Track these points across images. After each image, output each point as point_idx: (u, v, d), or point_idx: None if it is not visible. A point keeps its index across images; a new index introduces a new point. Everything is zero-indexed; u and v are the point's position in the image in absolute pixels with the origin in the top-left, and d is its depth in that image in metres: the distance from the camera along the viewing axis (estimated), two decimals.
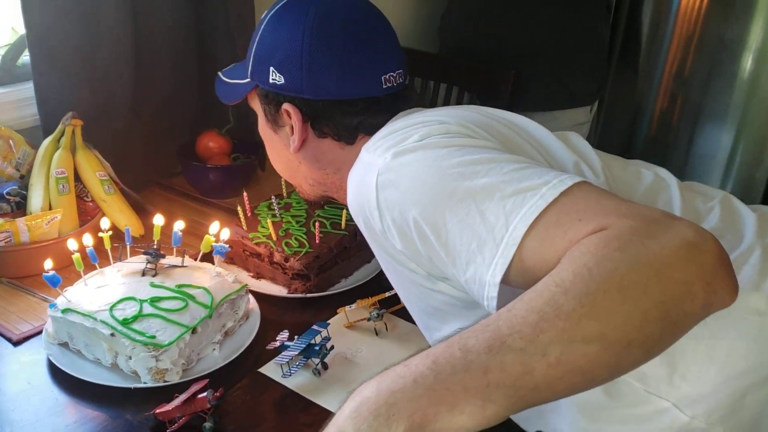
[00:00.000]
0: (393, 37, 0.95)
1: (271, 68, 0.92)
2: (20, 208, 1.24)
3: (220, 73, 1.05)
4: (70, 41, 1.26)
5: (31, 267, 1.12)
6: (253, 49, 0.95)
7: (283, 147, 0.97)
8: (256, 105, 0.99)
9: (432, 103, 1.90)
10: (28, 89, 1.32)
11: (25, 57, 1.32)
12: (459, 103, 1.86)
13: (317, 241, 1.13)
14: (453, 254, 0.68)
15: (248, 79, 0.97)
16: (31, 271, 1.14)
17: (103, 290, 1.01)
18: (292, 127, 0.94)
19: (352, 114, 0.91)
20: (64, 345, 0.99)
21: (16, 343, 1.02)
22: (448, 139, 0.74)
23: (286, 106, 0.92)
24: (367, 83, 0.91)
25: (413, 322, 0.96)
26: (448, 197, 0.68)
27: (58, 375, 0.95)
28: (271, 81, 0.93)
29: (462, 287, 0.71)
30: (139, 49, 1.38)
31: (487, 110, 0.89)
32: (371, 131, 0.88)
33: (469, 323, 0.59)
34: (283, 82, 0.91)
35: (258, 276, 1.17)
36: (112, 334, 0.93)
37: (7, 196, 1.20)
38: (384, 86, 0.91)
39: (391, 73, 0.92)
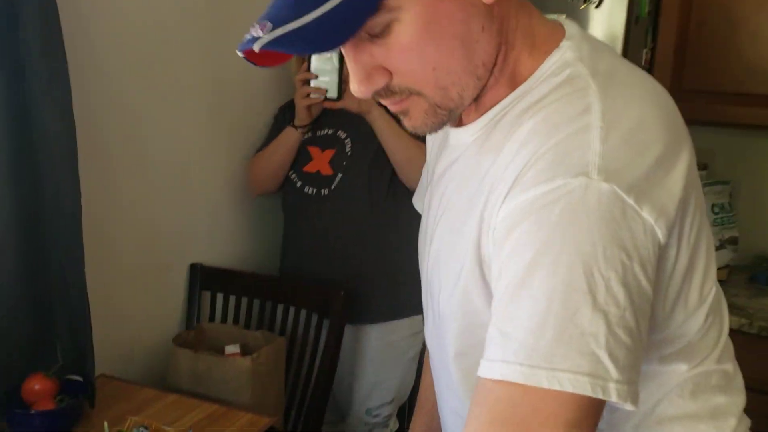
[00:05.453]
0: None
1: None
2: None
3: (284, 27, 0.62)
4: None
5: None
6: None
7: (468, 12, 0.68)
8: None
9: (270, 325, 1.98)
10: None
11: None
12: (297, 325, 1.96)
13: None
14: (512, 304, 0.62)
15: None
16: None
17: None
18: None
19: None
20: None
21: None
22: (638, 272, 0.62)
23: None
24: None
25: None
26: (578, 283, 0.60)
27: None
28: None
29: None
30: None
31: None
32: None
33: None
34: None
35: None
36: None
37: None
38: None
39: None
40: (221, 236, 2.10)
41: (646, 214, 0.61)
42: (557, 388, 0.58)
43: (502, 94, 0.74)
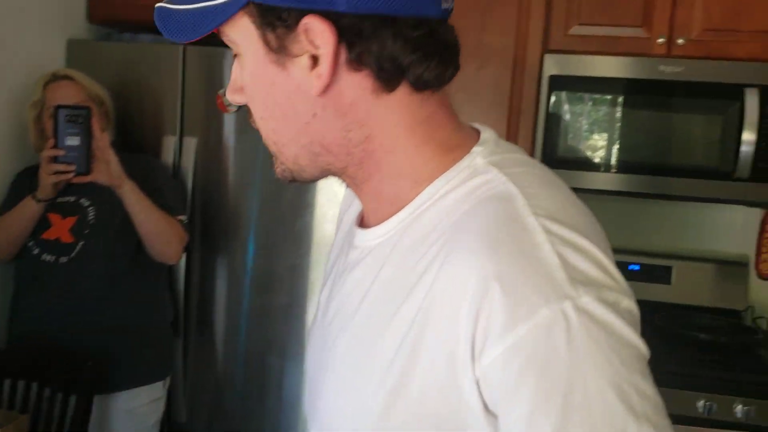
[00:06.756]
0: None
1: None
2: None
3: (164, 3, 0.70)
4: None
5: None
6: None
7: (293, 91, 0.68)
8: (243, 32, 0.68)
9: (9, 404, 1.89)
10: None
11: None
12: (40, 400, 1.89)
13: None
14: None
15: None
16: None
17: None
18: (313, 57, 0.65)
19: (405, 42, 0.65)
20: None
21: None
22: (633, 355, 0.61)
23: (309, 20, 0.64)
24: None
25: None
26: (614, 406, 0.57)
27: None
28: None
29: None
30: None
31: None
32: (418, 83, 0.67)
33: None
34: None
35: None
36: None
37: None
38: (441, 7, 0.67)
39: None
40: None
41: (625, 305, 0.61)
42: None
43: (404, 195, 0.71)
